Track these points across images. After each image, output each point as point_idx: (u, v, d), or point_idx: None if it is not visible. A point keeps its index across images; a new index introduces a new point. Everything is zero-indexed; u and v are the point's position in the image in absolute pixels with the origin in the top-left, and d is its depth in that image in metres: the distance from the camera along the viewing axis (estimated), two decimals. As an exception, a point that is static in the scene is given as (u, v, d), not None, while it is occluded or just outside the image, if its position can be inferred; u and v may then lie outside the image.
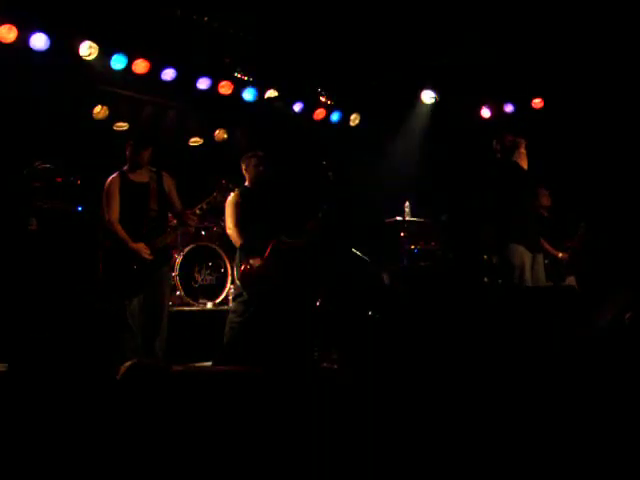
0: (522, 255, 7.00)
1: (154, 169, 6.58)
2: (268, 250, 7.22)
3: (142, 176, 6.49)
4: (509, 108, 10.18)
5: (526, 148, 7.29)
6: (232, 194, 7.32)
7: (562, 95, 9.45)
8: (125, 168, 6.50)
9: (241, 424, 4.00)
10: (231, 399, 4.16)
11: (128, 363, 4.09)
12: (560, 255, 8.37)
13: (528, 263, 7.02)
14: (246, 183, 7.57)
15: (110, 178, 6.45)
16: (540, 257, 7.27)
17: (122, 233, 6.29)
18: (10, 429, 3.70)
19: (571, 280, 8.28)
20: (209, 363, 6.91)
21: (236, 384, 4.37)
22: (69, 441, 3.73)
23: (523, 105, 10.04)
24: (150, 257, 6.33)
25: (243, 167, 7.56)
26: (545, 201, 8.47)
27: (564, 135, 9.32)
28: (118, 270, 6.35)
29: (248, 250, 7.15)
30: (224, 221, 7.48)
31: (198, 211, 6.69)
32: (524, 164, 7.28)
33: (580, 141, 9.21)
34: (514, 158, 7.27)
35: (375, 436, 3.96)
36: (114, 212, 6.33)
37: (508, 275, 7.03)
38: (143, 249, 6.30)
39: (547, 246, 8.29)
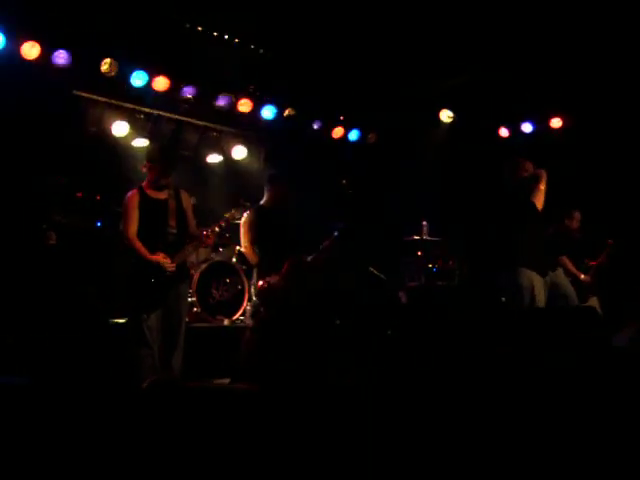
0: (531, 278, 6.88)
1: (172, 187, 6.58)
2: (285, 267, 7.23)
3: (161, 193, 6.48)
4: (528, 128, 10.16)
5: (546, 182, 7.06)
6: (247, 213, 7.33)
7: (583, 114, 9.43)
8: (144, 184, 6.49)
9: (255, 442, 3.99)
10: (247, 417, 4.15)
11: (149, 379, 4.09)
12: (582, 277, 8.36)
13: (538, 286, 6.89)
14: (263, 202, 7.59)
15: (129, 194, 6.44)
16: (558, 274, 7.20)
17: (140, 247, 6.27)
18: (31, 442, 3.70)
19: (593, 301, 8.25)
20: (226, 380, 6.89)
21: (252, 402, 4.37)
22: (84, 453, 3.73)
23: (542, 124, 10.01)
24: (171, 267, 6.30)
25: (267, 187, 7.60)
26: (575, 224, 8.50)
27: (585, 154, 9.29)
28: (136, 284, 6.32)
29: (266, 267, 7.16)
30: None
31: (217, 229, 6.67)
32: (540, 204, 7.03)
33: (602, 160, 9.18)
34: (531, 196, 7.01)
35: (390, 453, 3.94)
36: (133, 228, 6.31)
37: (517, 297, 6.89)
38: (162, 259, 6.28)
39: (571, 267, 8.31)
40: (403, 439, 4.05)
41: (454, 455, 3.95)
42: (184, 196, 6.63)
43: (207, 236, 6.57)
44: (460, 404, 4.23)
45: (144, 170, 6.49)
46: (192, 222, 6.66)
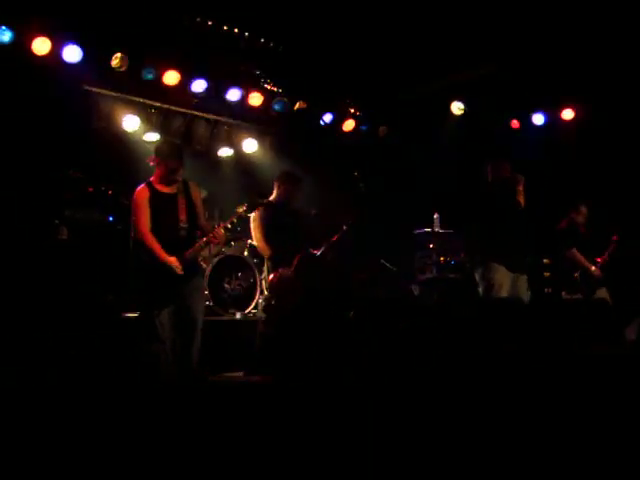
0: (501, 274, 7.18)
1: (181, 180, 6.51)
2: (296, 260, 7.24)
3: (170, 188, 6.42)
4: (539, 119, 10.12)
5: (524, 186, 7.41)
6: (257, 209, 7.32)
7: (595, 105, 9.41)
8: (152, 179, 6.43)
9: (270, 434, 4.00)
10: (262, 410, 4.16)
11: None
12: (593, 269, 8.36)
13: (507, 282, 7.19)
14: (272, 198, 7.59)
15: (138, 189, 6.38)
16: (523, 277, 7.36)
17: (155, 244, 6.19)
18: (50, 439, 3.72)
19: (602, 292, 8.26)
20: (239, 373, 6.91)
21: (267, 395, 4.38)
22: (97, 447, 3.75)
23: (553, 116, 9.98)
24: (181, 272, 6.21)
25: (277, 184, 7.59)
26: (582, 218, 8.51)
27: (597, 146, 9.27)
28: (148, 280, 6.26)
29: (278, 260, 7.18)
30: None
31: (229, 225, 6.61)
32: (522, 201, 7.40)
33: (613, 152, 9.16)
34: (516, 194, 7.39)
35: (403, 445, 3.94)
36: (146, 223, 6.24)
37: (486, 291, 7.23)
38: (175, 263, 6.19)
39: (581, 259, 8.34)
40: (415, 432, 4.05)
41: (466, 447, 3.95)
42: (193, 189, 6.56)
43: (218, 233, 6.47)
44: (470, 398, 4.23)
45: (151, 164, 6.44)
46: (202, 215, 6.61)
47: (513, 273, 7.26)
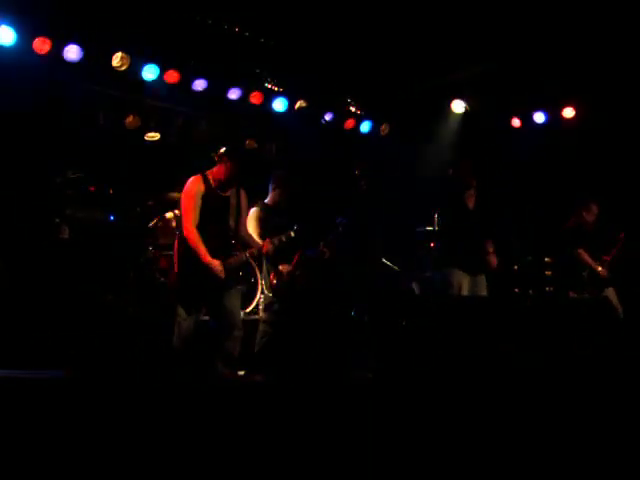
0: (458, 276, 7.26)
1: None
2: (295, 258, 7.25)
3: (225, 189, 6.20)
4: (540, 118, 10.11)
5: (475, 188, 7.54)
6: (254, 209, 7.31)
7: (596, 103, 9.40)
8: (210, 176, 6.18)
9: (271, 433, 4.00)
10: (263, 409, 4.17)
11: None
12: (599, 269, 8.35)
13: (465, 284, 7.27)
14: (268, 200, 7.57)
15: (193, 180, 6.14)
16: (481, 278, 7.42)
17: (201, 244, 5.97)
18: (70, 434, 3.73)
19: (610, 292, 8.25)
20: (240, 372, 6.91)
21: (268, 394, 4.38)
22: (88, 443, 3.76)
23: (554, 114, 9.97)
24: (222, 275, 6.01)
25: (272, 185, 7.58)
26: (592, 216, 8.49)
27: (596, 145, 9.27)
28: (185, 281, 6.08)
29: (276, 258, 7.18)
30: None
31: (277, 242, 6.53)
32: (470, 204, 7.53)
33: (615, 151, 9.16)
34: (465, 194, 7.52)
35: (409, 441, 3.95)
36: (194, 219, 6.02)
37: (446, 291, 7.30)
38: (220, 267, 5.99)
39: (587, 258, 8.33)
40: (418, 429, 4.05)
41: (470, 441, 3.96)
42: (243, 195, 6.36)
43: (267, 248, 6.40)
44: (471, 395, 4.24)
45: (216, 159, 6.19)
46: (245, 224, 6.47)
47: (470, 275, 7.31)
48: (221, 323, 6.14)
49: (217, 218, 6.10)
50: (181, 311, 6.03)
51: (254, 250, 6.38)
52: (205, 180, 6.11)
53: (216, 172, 6.17)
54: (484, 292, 7.38)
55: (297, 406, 4.15)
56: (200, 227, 6.00)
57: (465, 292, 7.25)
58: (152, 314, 7.16)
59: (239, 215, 6.27)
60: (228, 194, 6.20)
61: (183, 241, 6.05)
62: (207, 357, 6.17)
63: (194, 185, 6.09)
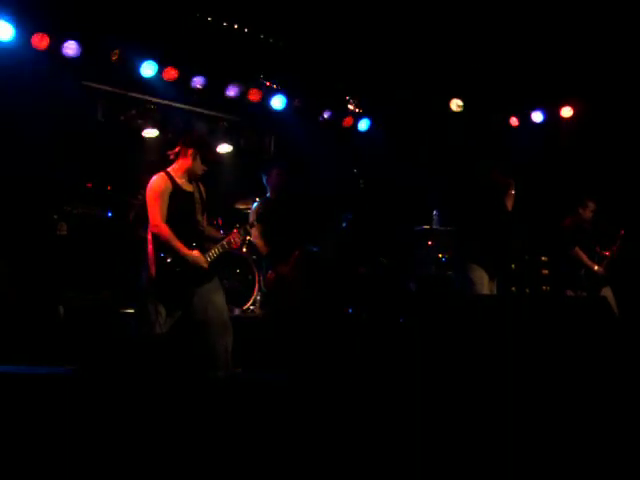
0: (481, 274, 7.06)
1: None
2: (293, 257, 7.27)
3: (189, 184, 6.04)
4: (538, 117, 10.13)
5: (515, 189, 7.30)
6: (255, 205, 7.30)
7: (594, 102, 9.42)
8: (172, 171, 6.00)
9: (266, 431, 4.01)
10: (259, 407, 4.17)
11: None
12: (596, 268, 8.36)
13: (486, 284, 7.07)
14: (268, 194, 7.60)
15: (157, 178, 5.94)
16: (494, 282, 7.28)
17: (174, 237, 5.78)
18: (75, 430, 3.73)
19: (607, 291, 8.26)
20: (237, 370, 6.92)
21: (265, 392, 4.38)
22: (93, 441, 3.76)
23: (553, 113, 9.99)
24: (205, 265, 5.86)
25: (265, 178, 7.58)
26: (589, 214, 8.49)
27: (596, 143, 9.29)
28: (162, 279, 5.84)
29: (275, 257, 7.19)
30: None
31: (243, 232, 6.32)
32: (510, 205, 7.30)
33: (613, 149, 9.18)
34: (504, 198, 7.27)
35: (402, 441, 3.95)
36: (163, 215, 5.81)
37: (467, 290, 7.08)
38: (200, 257, 5.85)
39: (584, 258, 8.34)
40: (418, 427, 4.05)
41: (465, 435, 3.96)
42: (202, 188, 6.21)
43: (238, 237, 6.17)
44: (471, 393, 4.23)
45: (172, 157, 6.04)
46: (206, 217, 6.28)
47: (490, 279, 7.15)
48: (209, 320, 5.97)
49: (186, 215, 5.95)
50: (162, 310, 5.87)
51: (226, 242, 6.13)
52: (170, 177, 5.95)
53: (178, 167, 6.02)
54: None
55: (293, 403, 4.16)
56: (170, 225, 5.82)
57: (486, 290, 7.08)
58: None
59: (204, 209, 6.12)
60: (191, 189, 6.05)
61: (156, 240, 5.84)
62: (196, 356, 6.09)
63: (161, 182, 5.91)
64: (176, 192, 5.91)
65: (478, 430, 3.96)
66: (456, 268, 7.39)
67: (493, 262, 7.16)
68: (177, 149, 6.03)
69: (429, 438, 3.95)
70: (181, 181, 5.98)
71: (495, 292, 7.24)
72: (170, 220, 5.83)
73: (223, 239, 6.13)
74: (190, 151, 5.96)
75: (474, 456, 3.84)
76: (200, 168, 5.99)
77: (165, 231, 5.78)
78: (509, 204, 7.36)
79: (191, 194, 6.04)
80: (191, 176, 6.01)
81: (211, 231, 6.39)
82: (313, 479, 3.87)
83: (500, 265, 7.28)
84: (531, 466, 3.80)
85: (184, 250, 5.79)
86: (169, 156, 6.05)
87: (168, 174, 5.96)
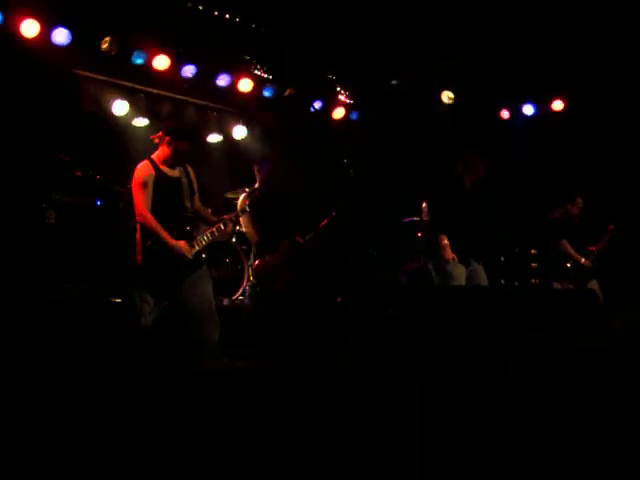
0: (455, 266, 7.09)
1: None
2: (282, 247, 7.26)
3: (174, 170, 6.03)
4: (529, 110, 10.14)
5: (486, 169, 7.33)
6: (243, 196, 7.28)
7: (585, 96, 9.43)
8: (155, 158, 6.01)
9: (257, 420, 4.00)
10: (248, 395, 4.16)
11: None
12: (583, 261, 8.40)
13: (462, 275, 7.10)
14: (257, 184, 7.59)
15: (141, 167, 5.95)
16: (479, 268, 7.27)
17: (159, 227, 5.78)
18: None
19: (593, 284, 8.30)
20: (225, 359, 6.91)
21: (254, 380, 4.38)
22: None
23: (543, 107, 10.00)
24: (190, 255, 5.87)
25: (255, 169, 7.58)
26: (577, 209, 8.51)
27: (587, 137, 9.30)
28: (149, 268, 5.89)
29: (264, 247, 7.19)
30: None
31: (234, 218, 6.40)
32: (470, 184, 7.31)
33: (603, 143, 9.20)
34: (471, 175, 7.32)
35: (393, 434, 3.95)
36: (147, 204, 5.82)
37: (445, 282, 7.13)
38: (186, 247, 5.85)
39: (571, 251, 8.37)
40: (407, 422, 4.05)
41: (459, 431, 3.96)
42: (191, 171, 6.18)
43: (227, 224, 6.20)
44: (461, 387, 4.24)
45: (156, 141, 6.04)
46: (198, 199, 6.27)
47: (466, 267, 7.18)
48: (195, 309, 5.97)
49: (171, 201, 5.94)
50: (149, 299, 5.90)
51: (214, 229, 6.15)
52: (153, 164, 5.94)
53: (160, 154, 6.00)
54: (484, 282, 7.28)
55: (281, 392, 4.15)
56: (156, 212, 5.82)
57: (463, 282, 7.11)
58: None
59: (193, 193, 6.10)
60: (177, 175, 6.03)
61: (143, 230, 5.86)
62: (183, 345, 6.07)
63: (144, 171, 5.91)
64: (160, 179, 5.90)
65: (470, 422, 3.97)
66: (430, 263, 7.34)
67: (460, 248, 7.16)
68: (160, 134, 6.03)
69: (421, 430, 3.95)
70: (165, 167, 5.97)
71: (480, 278, 7.26)
72: (155, 207, 5.83)
73: (215, 223, 6.13)
74: (167, 139, 5.96)
75: (467, 447, 3.85)
76: (178, 157, 5.98)
77: (150, 220, 5.77)
78: (472, 184, 7.29)
79: (176, 179, 6.02)
80: (174, 162, 6.00)
81: (205, 213, 6.37)
82: (309, 470, 3.87)
83: (471, 251, 7.27)
84: (525, 459, 3.81)
85: (169, 240, 5.79)
86: (153, 140, 6.06)
87: (152, 161, 5.96)
